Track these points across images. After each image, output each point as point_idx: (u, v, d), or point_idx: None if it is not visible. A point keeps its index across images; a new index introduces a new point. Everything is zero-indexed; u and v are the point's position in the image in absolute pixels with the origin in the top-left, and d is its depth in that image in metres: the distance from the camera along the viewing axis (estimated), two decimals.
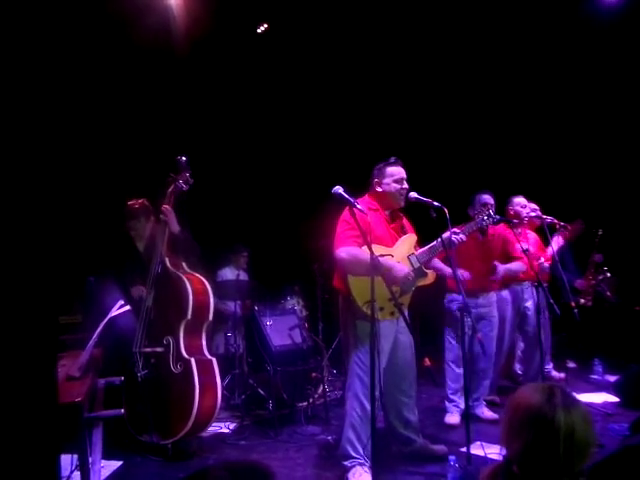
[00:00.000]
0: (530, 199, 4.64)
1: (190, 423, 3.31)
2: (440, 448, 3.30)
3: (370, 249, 2.56)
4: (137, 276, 3.75)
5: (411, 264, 3.12)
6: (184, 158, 3.58)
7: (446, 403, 4.01)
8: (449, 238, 3.15)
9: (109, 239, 3.93)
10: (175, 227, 3.58)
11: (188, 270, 3.62)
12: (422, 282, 3.18)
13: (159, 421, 3.37)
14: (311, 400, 4.35)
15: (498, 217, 3.91)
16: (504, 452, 1.41)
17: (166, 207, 3.56)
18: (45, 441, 1.29)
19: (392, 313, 3.02)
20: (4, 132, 1.45)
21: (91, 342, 2.61)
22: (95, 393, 2.77)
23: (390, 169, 3.20)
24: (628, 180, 6.19)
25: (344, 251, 2.96)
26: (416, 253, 3.16)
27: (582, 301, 5.39)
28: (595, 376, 4.91)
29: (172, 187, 3.60)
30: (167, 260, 3.56)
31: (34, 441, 1.31)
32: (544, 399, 1.34)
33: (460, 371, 3.87)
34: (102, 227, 4.02)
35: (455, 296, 3.96)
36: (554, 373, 5.05)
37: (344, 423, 3.09)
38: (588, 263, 5.52)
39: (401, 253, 3.13)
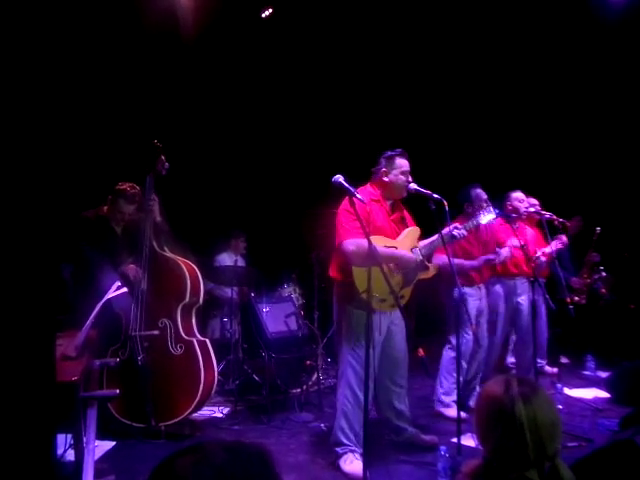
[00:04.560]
0: (530, 195, 4.64)
1: (195, 402, 3.40)
2: (431, 438, 3.34)
3: (368, 239, 2.57)
4: (121, 256, 3.70)
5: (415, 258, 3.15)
6: (159, 143, 3.61)
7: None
8: (451, 232, 3.16)
9: (85, 221, 3.78)
10: (158, 217, 3.65)
11: (172, 255, 3.65)
12: (423, 275, 3.22)
13: (158, 404, 3.39)
14: (305, 387, 4.38)
15: (497, 212, 3.96)
16: (479, 445, 1.43)
17: (154, 197, 3.61)
18: (42, 419, 1.30)
19: (393, 305, 3.04)
20: None
21: (88, 323, 2.62)
22: (90, 373, 2.79)
23: (399, 160, 3.22)
24: (627, 179, 6.19)
25: (352, 243, 2.95)
26: (419, 246, 3.18)
27: (576, 299, 5.42)
28: (587, 372, 4.95)
29: (152, 174, 3.60)
30: (155, 244, 3.60)
31: (31, 419, 1.32)
32: (502, 393, 1.36)
33: (465, 365, 3.91)
34: (72, 210, 3.88)
35: (466, 289, 3.89)
36: (547, 368, 5.09)
37: (336, 411, 3.12)
38: (584, 261, 5.54)
39: (405, 245, 3.16)
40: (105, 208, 3.85)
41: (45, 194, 1.64)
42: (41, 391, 1.29)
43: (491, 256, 3.92)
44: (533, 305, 3.90)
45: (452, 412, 3.78)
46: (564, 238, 4.54)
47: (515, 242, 4.08)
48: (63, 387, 2.10)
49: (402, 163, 3.21)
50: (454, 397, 3.87)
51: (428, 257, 3.22)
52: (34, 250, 1.51)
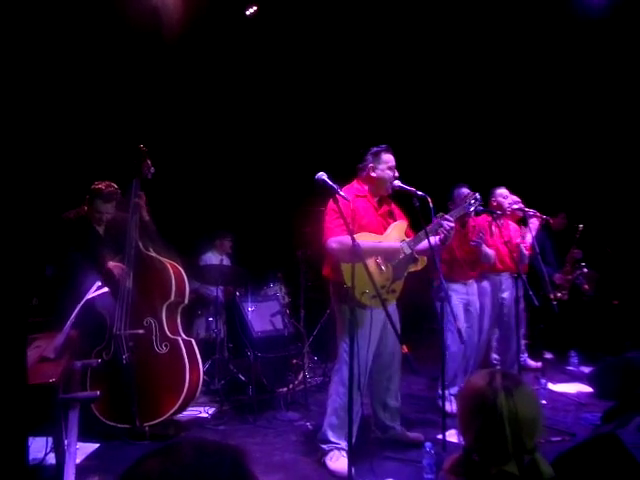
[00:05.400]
0: (513, 192, 4.67)
1: (180, 401, 3.38)
2: (416, 435, 3.34)
3: (351, 235, 2.56)
4: (104, 256, 3.67)
5: (403, 251, 3.14)
6: (144, 147, 3.62)
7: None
8: (439, 222, 3.14)
9: (66, 222, 3.74)
10: (146, 215, 3.65)
11: (157, 255, 3.66)
12: (413, 268, 3.21)
13: (142, 404, 3.36)
14: (291, 386, 4.36)
15: (482, 208, 4.00)
16: (462, 440, 1.44)
17: (142, 196, 3.62)
18: (12, 423, 1.27)
19: (385, 300, 3.02)
20: None
21: (68, 324, 2.58)
22: (71, 375, 2.74)
23: (386, 156, 3.22)
24: (609, 176, 6.26)
25: (335, 241, 2.97)
26: (407, 240, 3.17)
27: (559, 294, 5.47)
28: (571, 367, 5.00)
29: (138, 177, 3.61)
30: (140, 244, 3.60)
31: (1, 422, 1.29)
32: (485, 385, 1.37)
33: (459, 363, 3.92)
34: (58, 214, 3.86)
35: (452, 285, 3.97)
36: (530, 362, 5.14)
37: (327, 408, 3.11)
38: (567, 258, 5.60)
39: (392, 240, 3.15)
40: (85, 209, 3.81)
41: (24, 198, 1.61)
42: (11, 394, 1.25)
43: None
44: (517, 301, 3.94)
45: (451, 406, 3.79)
46: (533, 223, 4.55)
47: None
48: (41, 389, 2.06)
49: (388, 158, 3.22)
50: (452, 391, 3.90)
51: (419, 251, 3.20)
52: (6, 252, 1.47)
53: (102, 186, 3.72)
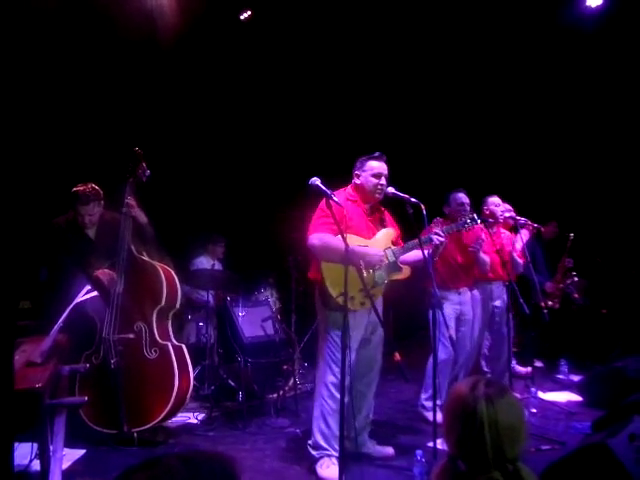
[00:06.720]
0: (506, 200, 4.69)
1: (168, 407, 3.34)
2: (386, 450, 3.25)
3: (344, 239, 2.54)
4: (97, 260, 3.62)
5: (386, 257, 3.13)
6: (140, 150, 3.60)
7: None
8: (429, 237, 3.15)
9: (55, 228, 3.70)
10: (143, 218, 3.61)
11: (149, 259, 3.63)
12: (396, 276, 3.18)
13: (130, 409, 3.32)
14: (281, 392, 4.33)
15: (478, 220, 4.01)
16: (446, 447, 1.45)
17: (131, 200, 3.55)
18: None
19: (362, 303, 2.98)
20: None
21: (55, 328, 2.54)
22: (58, 380, 2.70)
23: (371, 163, 3.19)
24: (600, 186, 6.32)
25: (316, 237, 2.95)
26: (393, 247, 3.16)
27: (550, 303, 5.49)
28: (560, 375, 5.00)
29: (132, 179, 3.57)
30: (133, 248, 3.56)
31: None
32: (467, 391, 1.39)
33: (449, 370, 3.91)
34: (43, 216, 3.83)
35: (446, 293, 3.96)
36: (519, 368, 5.14)
37: (315, 413, 3.07)
38: (558, 267, 5.63)
39: (379, 245, 3.13)
40: (72, 214, 3.77)
41: (16, 203, 1.59)
42: None
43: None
44: (508, 308, 3.94)
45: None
46: (523, 234, 4.58)
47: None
48: (27, 394, 2.02)
49: (373, 165, 3.17)
50: (437, 401, 3.86)
51: (405, 261, 3.20)
52: None
53: (80, 188, 3.64)
